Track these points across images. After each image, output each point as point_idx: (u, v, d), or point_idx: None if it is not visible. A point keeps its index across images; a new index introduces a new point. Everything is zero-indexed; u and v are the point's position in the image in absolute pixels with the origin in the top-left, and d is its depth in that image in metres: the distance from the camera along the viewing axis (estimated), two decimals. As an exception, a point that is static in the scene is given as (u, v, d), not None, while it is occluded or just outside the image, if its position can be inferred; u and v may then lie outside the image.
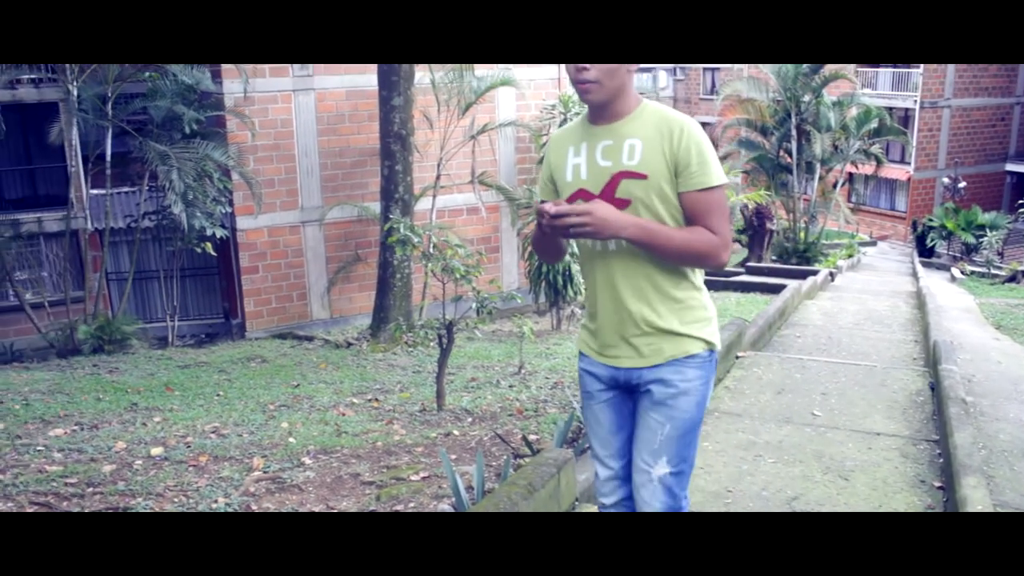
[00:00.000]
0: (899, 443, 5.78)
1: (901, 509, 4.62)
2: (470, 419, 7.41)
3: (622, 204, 2.72)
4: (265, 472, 5.90)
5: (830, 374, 7.64)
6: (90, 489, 5.62)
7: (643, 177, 2.70)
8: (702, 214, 2.69)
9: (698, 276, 2.86)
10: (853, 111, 26.81)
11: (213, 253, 16.42)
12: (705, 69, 44.22)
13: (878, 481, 5.02)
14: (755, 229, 27.90)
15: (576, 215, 2.60)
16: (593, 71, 2.66)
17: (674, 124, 2.69)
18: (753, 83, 27.61)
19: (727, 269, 22.18)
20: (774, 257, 26.24)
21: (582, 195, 2.80)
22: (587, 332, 3.00)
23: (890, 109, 31.93)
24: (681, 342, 2.79)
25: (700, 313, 2.84)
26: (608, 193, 2.75)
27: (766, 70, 26.62)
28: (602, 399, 2.98)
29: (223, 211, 16.54)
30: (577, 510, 4.15)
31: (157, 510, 5.16)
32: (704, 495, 4.72)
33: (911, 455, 5.53)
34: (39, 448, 6.72)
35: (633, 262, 2.77)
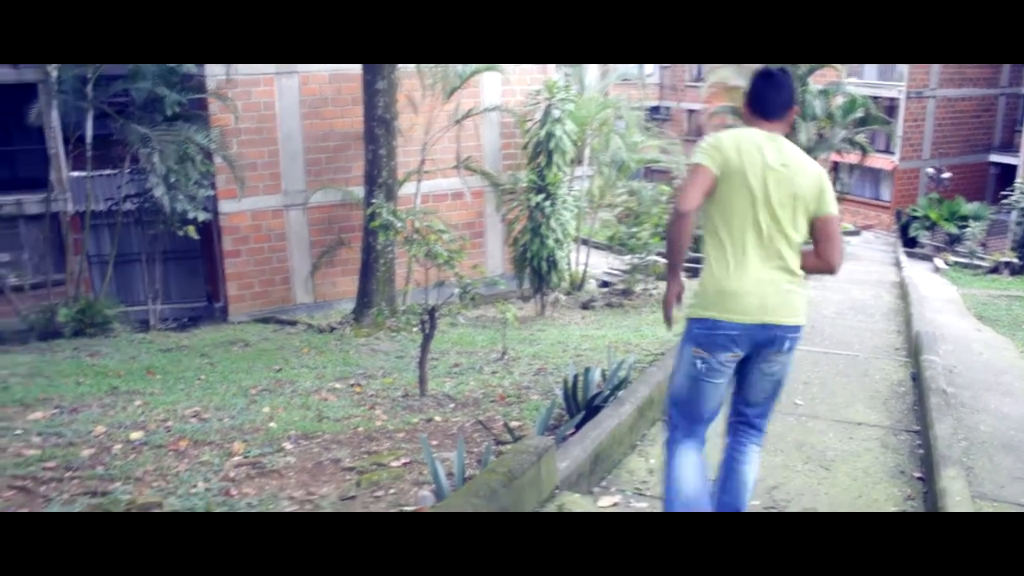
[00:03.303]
0: (880, 433, 5.80)
1: (881, 499, 4.63)
2: (452, 405, 7.40)
3: None
4: (245, 457, 5.87)
5: (812, 363, 7.66)
6: (68, 473, 5.57)
7: None
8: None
9: (706, 260, 3.48)
10: (839, 100, 26.79)
11: (195, 236, 16.25)
12: (690, 56, 44.08)
13: (859, 471, 5.03)
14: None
15: None
16: None
17: None
18: (739, 70, 27.54)
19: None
20: (758, 245, 26.26)
21: None
22: None
23: (875, 98, 31.94)
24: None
25: (694, 289, 3.53)
26: None
27: (752, 58, 26.52)
28: None
29: (205, 194, 16.38)
30: (557, 498, 4.13)
31: (136, 495, 5.12)
32: (685, 483, 4.71)
33: (892, 445, 5.55)
34: (18, 432, 6.66)
35: None
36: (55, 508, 4.89)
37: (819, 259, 3.48)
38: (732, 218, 3.37)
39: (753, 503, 4.23)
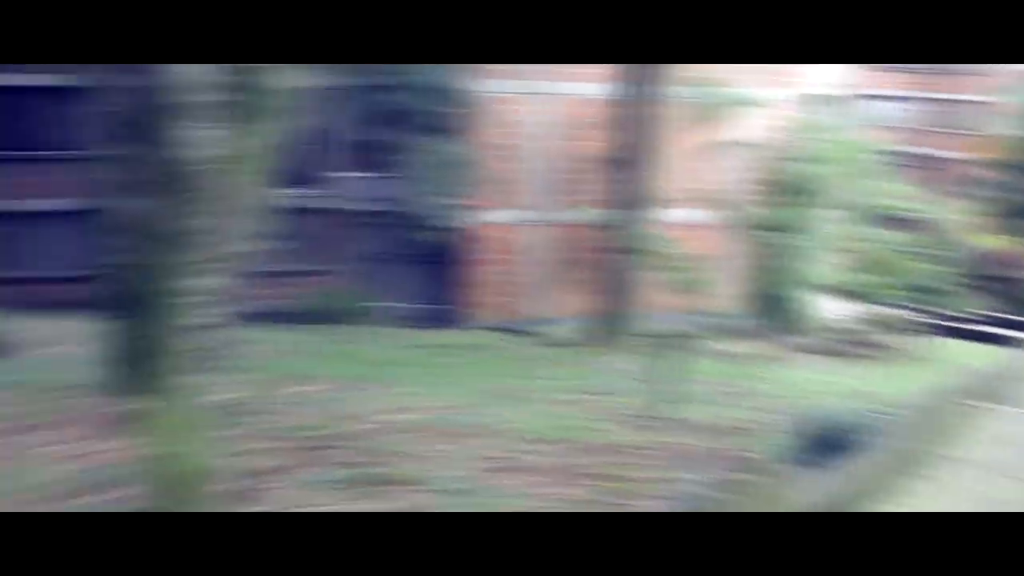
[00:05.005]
0: None
1: None
2: (688, 429, 7.56)
3: None
4: (498, 453, 6.30)
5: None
6: (340, 443, 6.23)
7: None
8: None
9: None
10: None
11: (446, 243, 17.20)
12: (943, 101, 41.20)
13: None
14: (996, 277, 26.11)
15: None
16: None
17: None
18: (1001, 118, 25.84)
19: (962, 315, 20.82)
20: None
21: None
22: None
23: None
24: None
25: None
26: None
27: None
28: None
29: (459, 204, 17.33)
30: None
31: (393, 472, 5.66)
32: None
33: None
34: (297, 401, 7.48)
35: None
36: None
37: None
38: None
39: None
